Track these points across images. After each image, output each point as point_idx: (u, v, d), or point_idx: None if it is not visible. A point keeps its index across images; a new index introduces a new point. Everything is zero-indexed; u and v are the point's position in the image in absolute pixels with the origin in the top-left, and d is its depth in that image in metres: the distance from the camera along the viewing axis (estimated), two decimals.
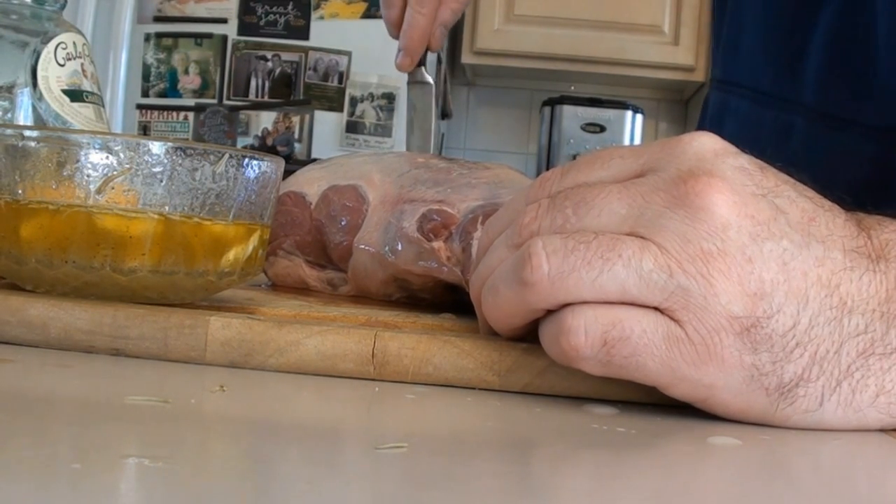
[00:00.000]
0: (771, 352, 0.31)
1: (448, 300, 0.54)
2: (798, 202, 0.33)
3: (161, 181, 0.39)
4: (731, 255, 0.31)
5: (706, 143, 0.34)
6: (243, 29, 2.19)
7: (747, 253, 0.31)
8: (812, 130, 0.63)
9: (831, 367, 0.32)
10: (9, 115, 0.51)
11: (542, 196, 0.36)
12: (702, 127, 0.76)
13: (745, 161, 0.34)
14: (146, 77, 2.20)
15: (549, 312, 0.34)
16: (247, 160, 0.41)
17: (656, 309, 0.32)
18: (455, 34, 2.67)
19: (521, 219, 0.35)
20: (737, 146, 0.35)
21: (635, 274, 0.32)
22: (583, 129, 2.73)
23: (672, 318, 0.32)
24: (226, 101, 2.20)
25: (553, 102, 2.76)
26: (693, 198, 0.32)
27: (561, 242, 0.33)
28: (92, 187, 0.38)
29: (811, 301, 0.32)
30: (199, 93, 2.20)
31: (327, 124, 2.18)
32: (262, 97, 2.20)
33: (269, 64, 2.18)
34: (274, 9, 2.16)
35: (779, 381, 0.32)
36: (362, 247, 0.53)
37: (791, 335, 0.31)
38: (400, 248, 0.50)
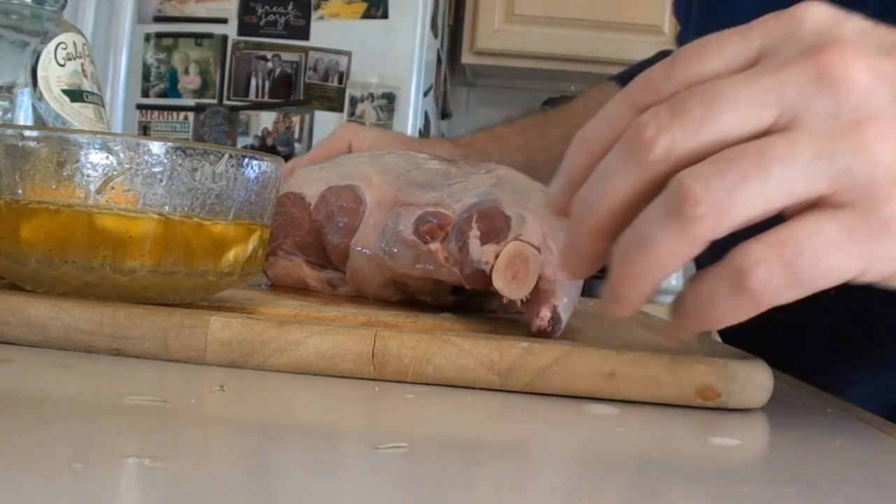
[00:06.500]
0: None
1: (448, 301, 0.54)
2: None
3: (161, 181, 0.39)
4: (881, 118, 0.30)
5: (819, 13, 0.32)
6: (243, 29, 2.19)
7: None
8: None
9: None
10: (9, 115, 0.51)
11: (650, 101, 0.33)
12: None
13: (859, 23, 0.32)
14: (146, 77, 2.20)
15: (699, 278, 0.31)
16: (247, 160, 0.41)
17: (820, 203, 0.30)
18: (455, 34, 2.66)
19: (643, 133, 0.31)
20: None
21: (795, 171, 0.30)
22: None
23: (840, 204, 0.30)
24: (226, 101, 2.20)
25: (553, 102, 2.75)
26: (828, 71, 0.30)
27: (710, 167, 0.30)
28: (92, 187, 0.38)
29: None
30: (199, 93, 2.20)
31: (327, 124, 2.18)
32: (262, 97, 2.19)
33: (269, 64, 2.18)
34: (274, 9, 2.16)
35: None
36: (359, 249, 0.53)
37: None
38: (397, 251, 0.50)
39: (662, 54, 0.96)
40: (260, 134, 2.21)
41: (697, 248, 0.31)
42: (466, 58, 2.66)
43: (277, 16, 2.18)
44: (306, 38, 2.17)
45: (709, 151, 0.31)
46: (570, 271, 0.35)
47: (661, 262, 0.32)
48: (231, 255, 0.42)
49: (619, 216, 0.33)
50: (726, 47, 0.32)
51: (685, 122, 0.31)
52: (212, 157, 0.40)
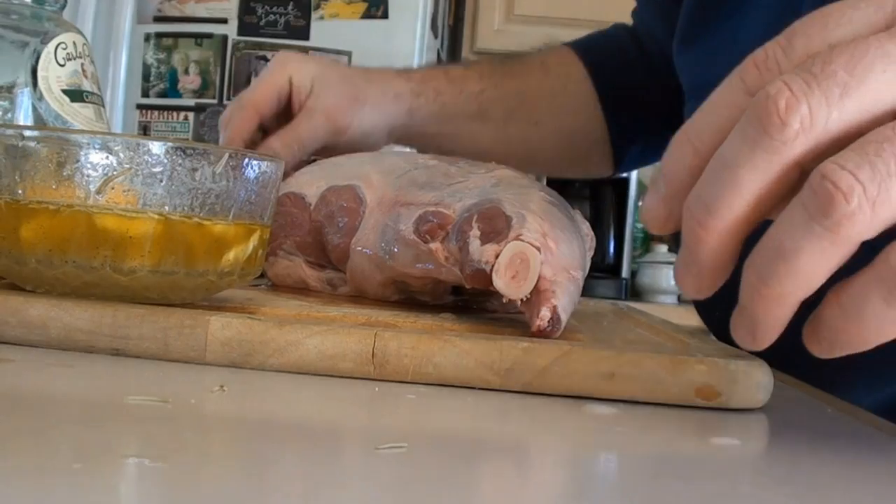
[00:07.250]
0: None
1: (448, 301, 0.54)
2: None
3: (161, 181, 0.39)
4: None
5: None
6: (243, 29, 2.19)
7: None
8: None
9: None
10: (9, 115, 0.51)
11: (768, 77, 0.28)
12: None
13: None
14: (146, 77, 2.20)
15: (843, 290, 0.27)
16: (247, 160, 0.41)
17: None
18: (455, 34, 2.66)
19: (773, 105, 0.26)
20: None
21: None
22: None
23: None
24: (226, 102, 2.20)
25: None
26: None
27: (858, 154, 0.25)
28: (92, 187, 0.38)
29: None
30: (199, 93, 2.20)
31: None
32: None
33: None
34: (274, 9, 2.16)
35: None
36: (359, 249, 0.53)
37: None
38: (397, 251, 0.50)
39: (618, 26, 0.95)
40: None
41: (848, 253, 0.27)
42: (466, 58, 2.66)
43: (277, 16, 2.18)
44: (306, 38, 2.17)
45: (856, 127, 0.26)
46: (692, 290, 0.30)
47: (807, 276, 0.27)
48: (231, 255, 0.42)
49: (752, 215, 0.28)
50: (854, 13, 0.28)
51: (826, 87, 0.26)
52: (212, 157, 0.40)
